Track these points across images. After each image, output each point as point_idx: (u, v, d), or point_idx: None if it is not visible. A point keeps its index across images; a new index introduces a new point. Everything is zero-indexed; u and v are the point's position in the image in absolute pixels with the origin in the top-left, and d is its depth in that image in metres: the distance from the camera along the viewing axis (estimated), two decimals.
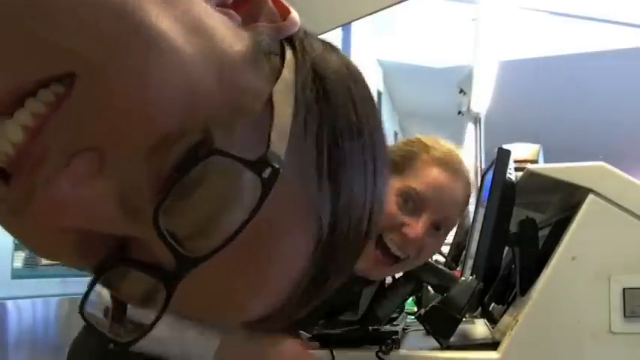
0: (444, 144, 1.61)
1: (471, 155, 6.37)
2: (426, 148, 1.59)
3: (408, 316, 2.07)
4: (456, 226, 3.55)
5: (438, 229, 1.52)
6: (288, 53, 0.50)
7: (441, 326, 1.51)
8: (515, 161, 1.84)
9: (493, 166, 1.72)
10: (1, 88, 0.39)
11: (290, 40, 0.52)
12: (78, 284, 7.27)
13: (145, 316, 0.47)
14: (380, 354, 1.49)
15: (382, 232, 1.48)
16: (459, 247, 3.17)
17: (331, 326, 1.68)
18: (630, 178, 1.52)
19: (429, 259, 1.70)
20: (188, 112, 0.40)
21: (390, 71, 18.74)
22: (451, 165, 1.56)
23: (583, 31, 13.64)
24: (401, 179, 1.53)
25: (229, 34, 0.45)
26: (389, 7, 5.44)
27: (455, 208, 1.56)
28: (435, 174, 1.53)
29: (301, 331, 1.57)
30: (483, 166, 4.98)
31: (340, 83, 0.51)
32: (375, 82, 18.72)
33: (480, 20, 4.61)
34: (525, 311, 1.47)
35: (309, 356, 1.44)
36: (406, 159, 1.57)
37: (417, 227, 1.48)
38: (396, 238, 1.48)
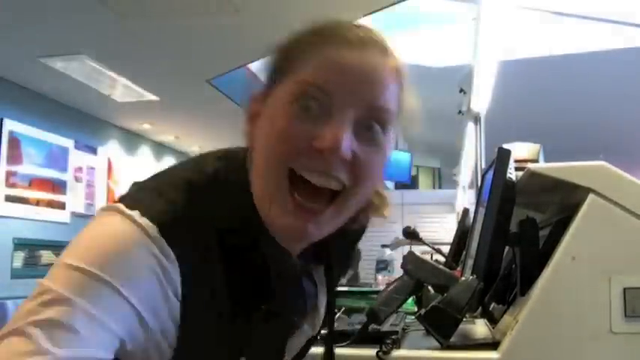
0: (343, 19, 1.17)
1: (471, 155, 6.35)
2: (316, 28, 1.14)
3: (408, 316, 2.07)
4: (457, 225, 3.54)
5: (369, 128, 1.06)
6: None
7: (442, 326, 1.50)
8: (516, 161, 1.84)
9: (493, 166, 1.72)
10: None
11: None
12: None
13: None
14: (380, 354, 1.49)
15: (291, 165, 1.04)
16: (458, 247, 3.18)
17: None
18: (631, 177, 1.52)
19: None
20: None
21: None
22: (356, 37, 1.09)
23: (583, 31, 13.65)
24: (290, 79, 1.07)
25: None
26: (388, 6, 5.45)
27: (381, 91, 1.07)
28: (332, 53, 1.06)
29: None
30: (484, 166, 4.98)
31: None
32: None
33: (480, 20, 4.60)
34: (526, 311, 1.46)
35: None
36: (291, 51, 1.12)
37: (330, 133, 1.01)
38: (311, 163, 1.03)
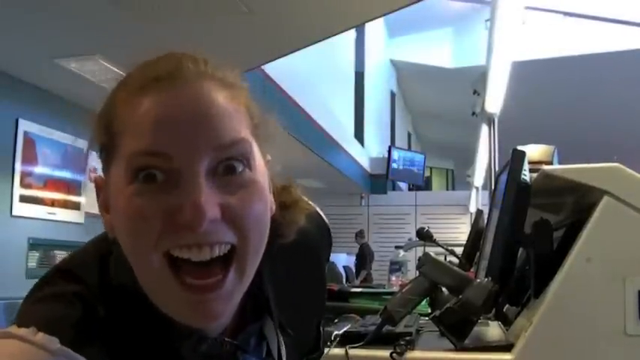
0: (157, 59, 0.99)
1: (485, 156, 6.32)
2: (124, 79, 0.98)
3: (421, 317, 2.07)
4: (471, 227, 3.53)
5: (229, 169, 0.90)
6: None
7: (456, 328, 1.50)
8: (530, 162, 1.83)
9: (508, 168, 1.72)
10: None
11: None
12: None
13: None
14: (394, 355, 1.49)
15: (163, 249, 0.88)
16: (472, 248, 3.17)
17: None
18: None
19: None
20: None
21: (403, 72, 18.80)
22: (166, 73, 0.93)
23: (597, 32, 13.62)
24: (119, 155, 0.91)
25: None
26: (402, 8, 5.45)
27: (223, 125, 0.89)
28: (149, 105, 0.89)
29: None
30: (497, 167, 4.97)
31: None
32: (388, 83, 18.73)
33: (494, 21, 4.59)
34: (539, 313, 1.46)
35: None
36: (109, 118, 0.95)
37: (187, 203, 0.85)
38: (182, 240, 0.87)
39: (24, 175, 6.77)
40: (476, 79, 5.65)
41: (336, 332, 1.64)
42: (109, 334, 0.91)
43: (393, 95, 19.30)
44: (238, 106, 0.94)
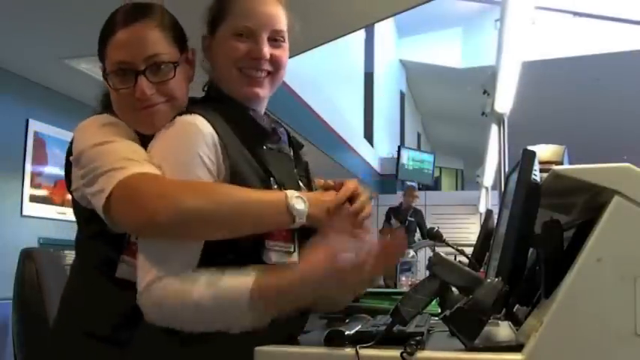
0: None
1: (494, 156, 6.30)
2: None
3: (432, 317, 2.07)
4: (480, 227, 3.53)
5: (275, 39, 1.86)
6: None
7: (467, 328, 1.50)
8: (540, 162, 1.83)
9: (518, 168, 1.72)
10: None
11: None
12: None
13: None
14: (404, 354, 1.49)
15: (239, 65, 1.84)
16: (481, 248, 3.17)
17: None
18: None
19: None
20: None
21: (413, 72, 18.76)
22: None
23: (607, 32, 13.58)
24: (227, 23, 1.83)
25: None
26: (412, 8, 5.44)
27: (277, 21, 1.85)
28: (247, 5, 1.83)
29: None
30: (507, 168, 4.96)
31: None
32: (397, 83, 18.69)
33: (504, 21, 4.59)
34: (550, 313, 1.46)
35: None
36: (222, 6, 1.86)
37: (258, 48, 1.80)
38: (250, 64, 1.83)
39: (34, 175, 6.80)
40: (485, 79, 5.65)
41: (347, 332, 1.64)
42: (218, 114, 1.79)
43: (402, 95, 19.29)
44: (285, 13, 1.88)
